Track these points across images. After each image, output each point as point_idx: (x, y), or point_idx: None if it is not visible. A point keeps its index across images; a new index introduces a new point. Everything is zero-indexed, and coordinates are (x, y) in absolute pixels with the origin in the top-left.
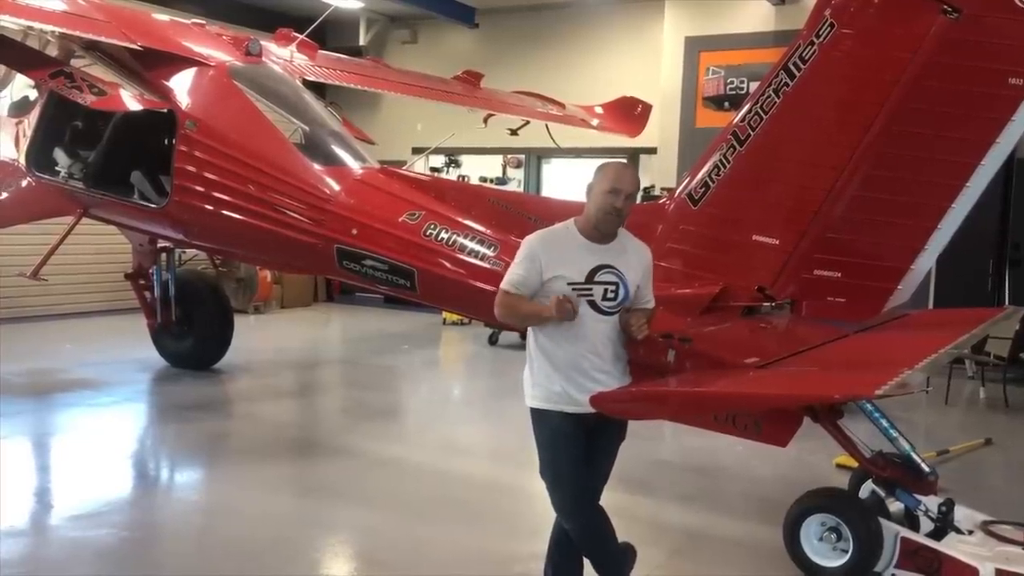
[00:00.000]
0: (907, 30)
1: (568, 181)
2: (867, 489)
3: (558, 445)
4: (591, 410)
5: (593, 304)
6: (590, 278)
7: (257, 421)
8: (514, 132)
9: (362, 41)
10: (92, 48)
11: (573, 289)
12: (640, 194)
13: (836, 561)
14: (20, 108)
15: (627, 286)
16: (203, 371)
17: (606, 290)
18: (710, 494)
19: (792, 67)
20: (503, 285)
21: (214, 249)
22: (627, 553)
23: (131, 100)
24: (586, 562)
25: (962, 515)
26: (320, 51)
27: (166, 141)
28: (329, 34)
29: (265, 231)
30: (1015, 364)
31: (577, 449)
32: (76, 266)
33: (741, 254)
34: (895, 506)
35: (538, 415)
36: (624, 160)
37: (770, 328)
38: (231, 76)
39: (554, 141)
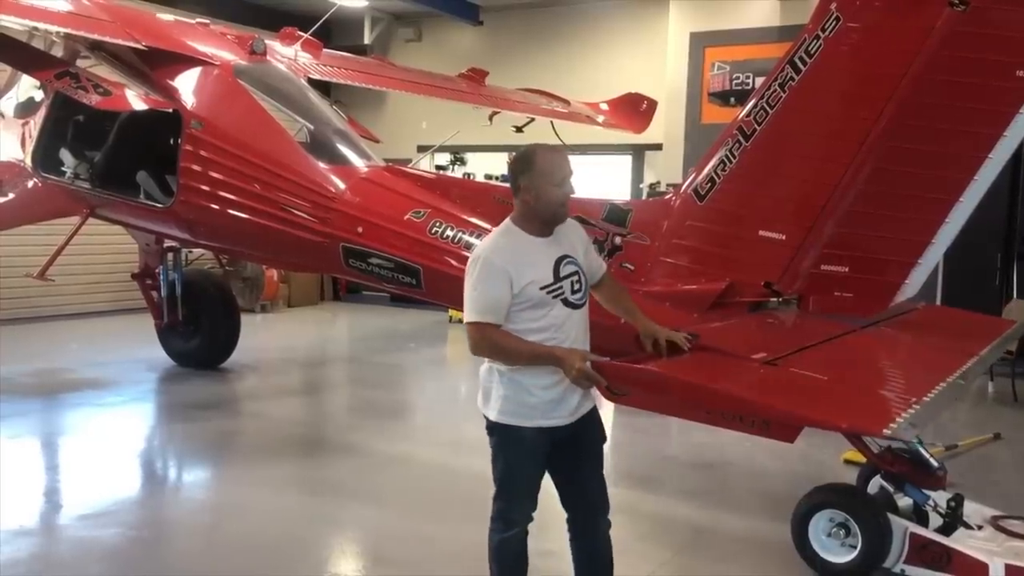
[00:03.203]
0: (914, 23)
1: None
2: (876, 484)
3: (523, 462)
4: (566, 422)
5: (565, 301)
6: (557, 275)
7: (264, 420)
8: (519, 129)
9: (367, 39)
10: (97, 48)
11: (547, 292)
12: (647, 190)
13: (845, 557)
14: (26, 109)
15: (583, 269)
16: (210, 370)
17: (572, 283)
18: (717, 490)
19: (798, 61)
20: (476, 317)
21: (220, 248)
22: None
23: (136, 100)
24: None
25: (971, 510)
26: (325, 50)
27: (172, 141)
28: (334, 33)
29: (271, 230)
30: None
31: (542, 466)
32: (83, 266)
33: (747, 250)
34: (904, 501)
35: (505, 430)
36: (628, 157)
37: (777, 324)
38: (236, 75)
39: (559, 138)
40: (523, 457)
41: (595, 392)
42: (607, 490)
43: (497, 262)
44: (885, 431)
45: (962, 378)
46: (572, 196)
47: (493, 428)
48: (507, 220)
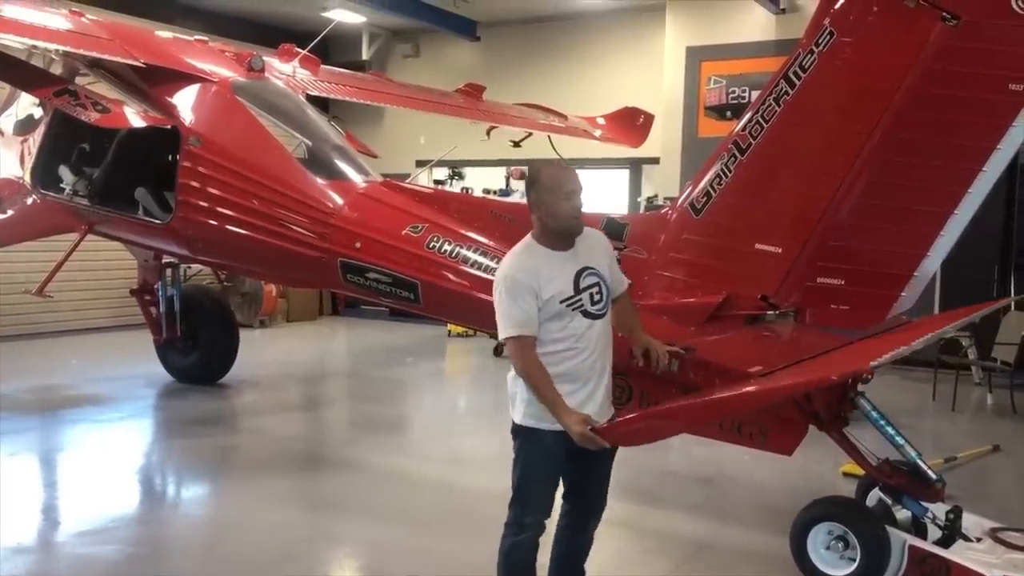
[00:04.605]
0: (906, 37)
1: None
2: (874, 497)
3: (543, 465)
4: None
5: (585, 312)
6: (577, 288)
7: (263, 435)
8: (517, 144)
9: (365, 55)
10: (96, 66)
11: (567, 304)
12: (644, 204)
13: (844, 570)
14: (25, 126)
15: (605, 280)
16: (209, 386)
17: (591, 295)
18: (717, 504)
19: (792, 76)
20: (510, 331)
21: (219, 264)
22: None
23: (135, 117)
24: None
25: (970, 522)
26: (323, 66)
27: (170, 157)
28: (332, 49)
29: (269, 246)
30: (1022, 370)
31: (557, 471)
32: (82, 282)
33: (744, 263)
34: (902, 514)
35: (529, 433)
36: (625, 172)
37: (774, 336)
38: (234, 92)
39: (557, 152)
40: (541, 459)
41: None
42: (607, 496)
43: (521, 279)
44: (871, 364)
45: (951, 329)
46: (580, 208)
47: (518, 431)
48: (528, 236)
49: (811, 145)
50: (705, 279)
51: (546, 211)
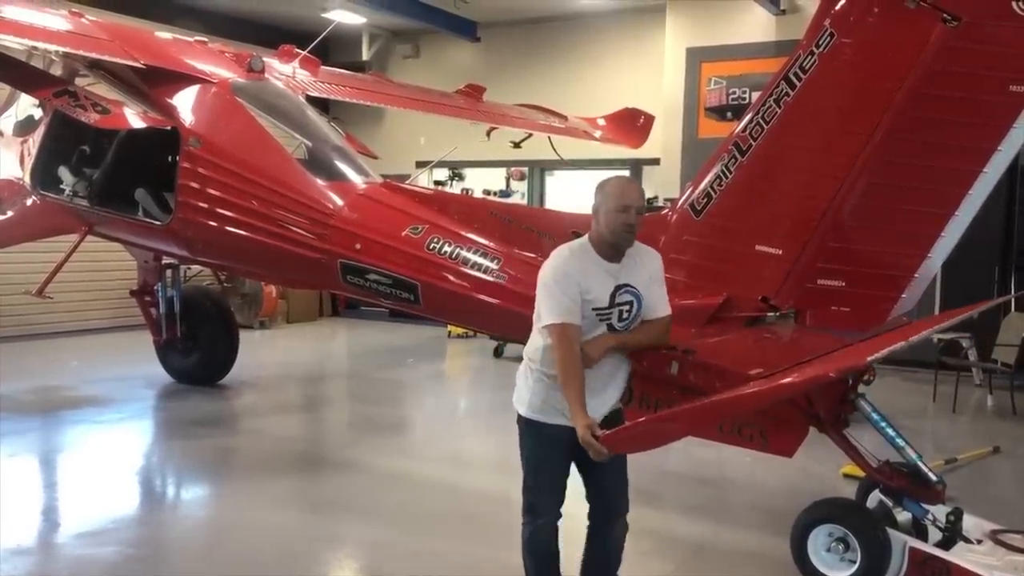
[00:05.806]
0: (906, 39)
1: (571, 193)
2: (874, 499)
3: (546, 456)
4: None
5: (610, 327)
6: (612, 302)
7: (263, 436)
8: (517, 145)
9: (365, 56)
10: (96, 67)
11: (598, 315)
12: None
13: (844, 572)
14: (25, 127)
15: (640, 301)
16: (209, 387)
17: (621, 311)
18: (718, 505)
19: (793, 77)
20: (556, 318)
21: (219, 265)
22: None
23: (135, 118)
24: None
25: (971, 524)
26: (323, 67)
27: (170, 158)
28: (332, 49)
29: (269, 247)
30: (1023, 371)
31: (565, 460)
32: (81, 283)
33: (744, 264)
34: (903, 516)
35: (536, 426)
36: (625, 173)
37: (774, 338)
38: (234, 93)
39: (557, 153)
40: (545, 450)
41: (620, 394)
42: (627, 491)
43: (572, 273)
44: (867, 359)
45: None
46: (635, 226)
47: (521, 422)
48: (585, 237)
49: (811, 146)
50: (705, 281)
51: (601, 218)
